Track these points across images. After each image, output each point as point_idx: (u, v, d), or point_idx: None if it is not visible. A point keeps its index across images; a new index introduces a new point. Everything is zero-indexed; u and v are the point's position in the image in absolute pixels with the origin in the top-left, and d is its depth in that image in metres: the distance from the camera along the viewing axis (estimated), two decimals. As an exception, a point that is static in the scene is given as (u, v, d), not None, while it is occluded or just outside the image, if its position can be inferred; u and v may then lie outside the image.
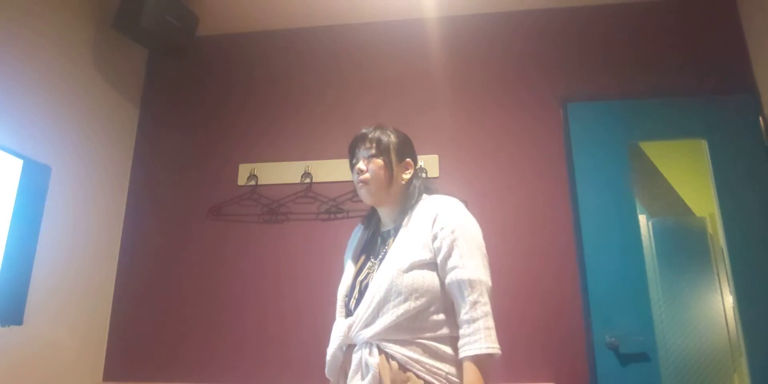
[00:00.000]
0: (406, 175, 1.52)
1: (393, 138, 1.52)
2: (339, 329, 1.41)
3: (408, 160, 1.54)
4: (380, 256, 1.45)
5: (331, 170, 2.41)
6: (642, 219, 2.35)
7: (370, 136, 1.51)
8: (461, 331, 1.29)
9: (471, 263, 1.33)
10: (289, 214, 2.41)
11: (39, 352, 1.98)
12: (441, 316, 1.33)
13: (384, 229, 1.54)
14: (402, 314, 1.30)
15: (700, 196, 2.85)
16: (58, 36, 2.16)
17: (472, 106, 2.45)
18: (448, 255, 1.34)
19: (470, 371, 1.25)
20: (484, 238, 1.42)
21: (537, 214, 2.25)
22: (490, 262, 1.39)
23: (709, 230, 2.77)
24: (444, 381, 1.28)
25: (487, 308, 1.29)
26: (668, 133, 2.34)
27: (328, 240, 2.32)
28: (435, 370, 1.28)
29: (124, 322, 2.36)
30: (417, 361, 1.28)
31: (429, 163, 2.35)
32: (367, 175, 1.48)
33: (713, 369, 2.63)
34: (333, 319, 1.48)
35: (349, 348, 1.40)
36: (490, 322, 1.28)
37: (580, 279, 2.16)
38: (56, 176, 2.07)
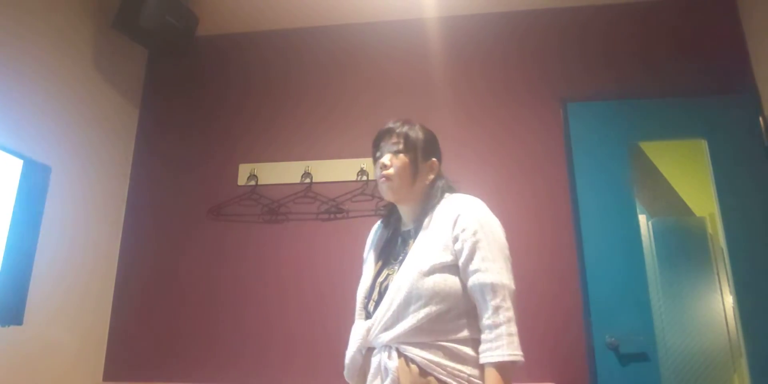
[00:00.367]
0: (431, 175, 1.48)
1: (421, 135, 1.47)
2: (358, 332, 1.38)
3: (434, 159, 1.49)
4: (400, 258, 1.42)
5: (331, 170, 2.41)
6: (642, 219, 2.35)
7: (397, 130, 1.45)
8: (483, 336, 1.26)
9: (494, 266, 1.30)
10: (289, 214, 2.41)
11: (39, 352, 1.97)
12: (462, 319, 1.30)
13: (404, 228, 1.50)
14: (422, 318, 1.27)
15: (700, 196, 2.85)
16: (58, 36, 2.16)
17: (472, 105, 2.45)
18: (470, 258, 1.30)
19: (492, 377, 1.22)
20: None
21: (537, 214, 2.25)
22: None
23: (709, 230, 2.77)
24: (466, 383, 1.25)
25: (510, 313, 1.26)
26: (668, 133, 2.34)
27: (328, 240, 2.32)
28: (457, 372, 1.25)
29: (124, 322, 2.36)
30: (438, 364, 1.25)
31: (429, 163, 2.35)
32: (390, 171, 1.42)
33: (713, 369, 2.62)
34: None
35: (368, 351, 1.38)
36: (513, 328, 1.26)
37: (580, 279, 2.16)
38: (56, 176, 2.07)
